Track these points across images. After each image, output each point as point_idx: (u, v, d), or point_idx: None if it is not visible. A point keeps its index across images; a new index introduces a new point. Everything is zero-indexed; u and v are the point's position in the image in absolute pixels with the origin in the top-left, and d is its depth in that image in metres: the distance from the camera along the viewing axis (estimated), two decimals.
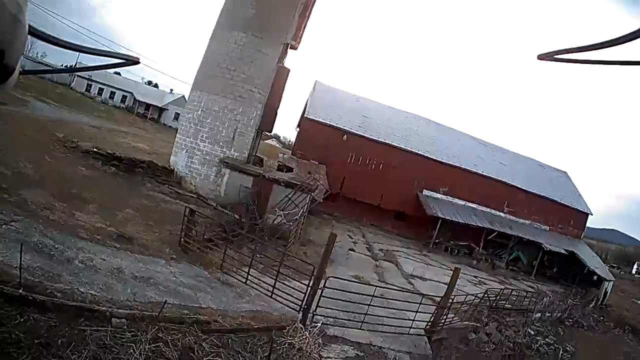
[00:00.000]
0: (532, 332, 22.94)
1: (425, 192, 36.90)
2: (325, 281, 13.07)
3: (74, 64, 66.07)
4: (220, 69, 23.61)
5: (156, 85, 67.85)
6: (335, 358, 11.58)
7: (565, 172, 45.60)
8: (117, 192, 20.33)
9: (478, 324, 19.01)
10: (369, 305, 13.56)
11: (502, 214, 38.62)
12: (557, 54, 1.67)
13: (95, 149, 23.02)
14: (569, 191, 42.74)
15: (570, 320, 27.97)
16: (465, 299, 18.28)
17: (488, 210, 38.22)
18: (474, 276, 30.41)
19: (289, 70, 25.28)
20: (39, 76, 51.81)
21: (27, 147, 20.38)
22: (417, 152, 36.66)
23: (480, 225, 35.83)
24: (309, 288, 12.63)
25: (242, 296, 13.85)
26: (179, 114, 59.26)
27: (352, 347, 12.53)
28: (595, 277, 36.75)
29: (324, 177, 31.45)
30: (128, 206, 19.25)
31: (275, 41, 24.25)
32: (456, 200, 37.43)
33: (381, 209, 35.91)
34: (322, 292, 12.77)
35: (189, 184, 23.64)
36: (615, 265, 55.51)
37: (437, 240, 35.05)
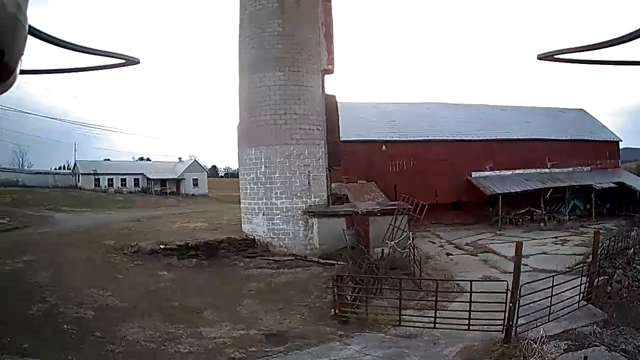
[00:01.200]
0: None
1: (473, 174, 34.35)
2: (520, 292, 12.00)
3: (64, 166, 61.74)
4: (270, 116, 20.33)
5: (149, 159, 63.81)
6: (558, 355, 11.02)
7: (582, 109, 43.64)
8: (217, 285, 16.96)
9: (606, 277, 17.64)
10: (551, 296, 12.84)
11: (546, 170, 36.37)
12: (557, 54, 1.60)
13: (162, 246, 19.46)
14: (594, 126, 40.77)
15: None
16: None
17: (534, 171, 35.92)
18: (554, 237, 28.34)
19: (335, 97, 22.08)
20: (43, 187, 47.64)
21: (88, 270, 16.74)
22: (453, 138, 34.08)
23: (537, 187, 33.62)
24: (510, 305, 11.68)
25: (435, 342, 12.30)
26: (197, 179, 56.52)
27: (558, 340, 11.81)
28: None
29: (380, 193, 28.40)
30: (241, 296, 16.06)
31: (313, 70, 21.22)
32: (503, 172, 34.94)
33: (438, 204, 32.91)
34: (519, 303, 11.84)
35: (278, 248, 20.26)
36: None
37: (500, 216, 32.55)
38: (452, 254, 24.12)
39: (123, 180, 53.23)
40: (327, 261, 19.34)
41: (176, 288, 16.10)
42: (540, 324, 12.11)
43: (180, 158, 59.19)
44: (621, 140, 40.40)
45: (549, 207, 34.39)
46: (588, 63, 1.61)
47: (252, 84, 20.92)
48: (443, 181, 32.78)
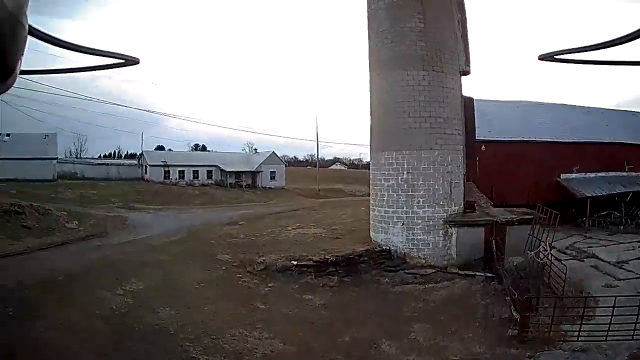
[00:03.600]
0: None
1: (562, 175, 32.64)
2: None
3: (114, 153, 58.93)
4: (414, 119, 18.29)
5: (204, 147, 60.68)
6: None
7: None
8: (374, 308, 14.85)
9: None
10: None
11: (624, 174, 34.30)
12: (558, 54, 1.58)
13: (294, 262, 17.20)
14: None
15: None
16: None
17: (614, 174, 33.89)
18: (638, 242, 26.27)
19: (473, 100, 19.92)
20: (106, 179, 44.54)
21: (219, 299, 14.37)
22: (544, 140, 32.10)
23: (621, 191, 31.95)
24: None
25: (605, 354, 11.80)
26: (274, 172, 52.90)
27: None
28: None
29: (482, 195, 26.20)
30: (406, 319, 14.22)
31: (453, 71, 19.22)
32: (588, 175, 33.14)
33: (529, 205, 31.10)
34: None
35: (416, 259, 18.46)
36: None
37: (583, 219, 31.15)
38: (560, 259, 22.36)
39: (195, 172, 49.11)
40: (466, 272, 17.72)
41: (334, 317, 14.06)
42: None
43: (256, 149, 55.89)
44: None
45: (624, 210, 32.58)
46: (588, 63, 1.58)
47: (392, 83, 18.84)
48: (535, 182, 31.01)
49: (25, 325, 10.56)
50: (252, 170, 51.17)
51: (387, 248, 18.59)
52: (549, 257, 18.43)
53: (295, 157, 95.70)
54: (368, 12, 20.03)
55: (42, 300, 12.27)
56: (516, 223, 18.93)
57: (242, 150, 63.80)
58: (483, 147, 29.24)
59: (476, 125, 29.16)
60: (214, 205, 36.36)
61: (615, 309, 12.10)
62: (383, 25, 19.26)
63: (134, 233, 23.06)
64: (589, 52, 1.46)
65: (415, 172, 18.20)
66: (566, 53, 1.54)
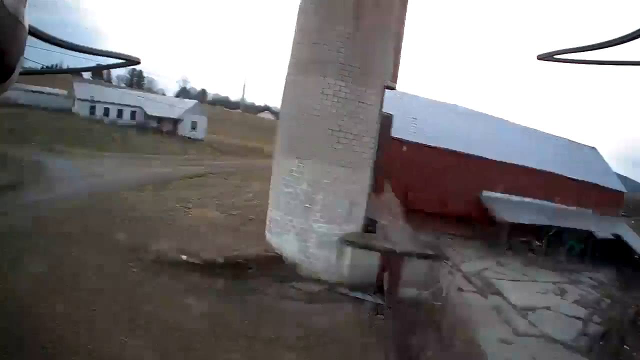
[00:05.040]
0: None
1: (484, 192, 32.13)
2: None
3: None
4: (323, 131, 17.48)
5: (140, 75, 59.49)
6: None
7: (594, 147, 41.60)
8: (251, 328, 13.95)
9: None
10: None
11: (552, 204, 34.18)
12: (557, 54, 1.56)
13: (184, 257, 16.40)
14: (603, 170, 38.78)
15: None
16: None
17: (540, 202, 33.76)
18: (552, 282, 26.23)
19: (391, 117, 19.25)
20: (35, 107, 41.93)
21: (106, 288, 13.74)
22: (469, 152, 31.44)
23: (545, 224, 31.24)
24: None
25: None
26: (195, 122, 52.31)
27: None
28: None
29: (393, 196, 25.15)
30: (277, 348, 13.23)
31: (376, 85, 18.21)
32: (512, 197, 32.85)
33: (445, 215, 30.35)
34: None
35: (306, 271, 17.85)
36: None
37: (501, 240, 30.23)
38: (463, 289, 21.78)
39: (120, 111, 48.41)
40: (356, 295, 17.28)
41: (210, 332, 13.30)
42: None
43: (187, 89, 55.39)
44: (625, 192, 38.81)
45: (547, 242, 32.05)
46: (588, 63, 1.56)
47: (306, 88, 17.84)
48: (454, 193, 30.66)
49: None
50: (174, 117, 50.76)
51: (280, 254, 18.05)
52: (447, 298, 17.92)
53: (227, 97, 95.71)
54: (299, 4, 18.74)
55: None
56: (415, 257, 18.21)
57: (176, 82, 65.32)
58: (404, 147, 28.61)
59: (402, 122, 27.24)
60: (130, 154, 35.09)
61: None
62: (310, 21, 18.09)
63: (44, 189, 22.00)
64: (588, 52, 1.44)
65: (316, 186, 17.52)
66: (565, 53, 1.53)
